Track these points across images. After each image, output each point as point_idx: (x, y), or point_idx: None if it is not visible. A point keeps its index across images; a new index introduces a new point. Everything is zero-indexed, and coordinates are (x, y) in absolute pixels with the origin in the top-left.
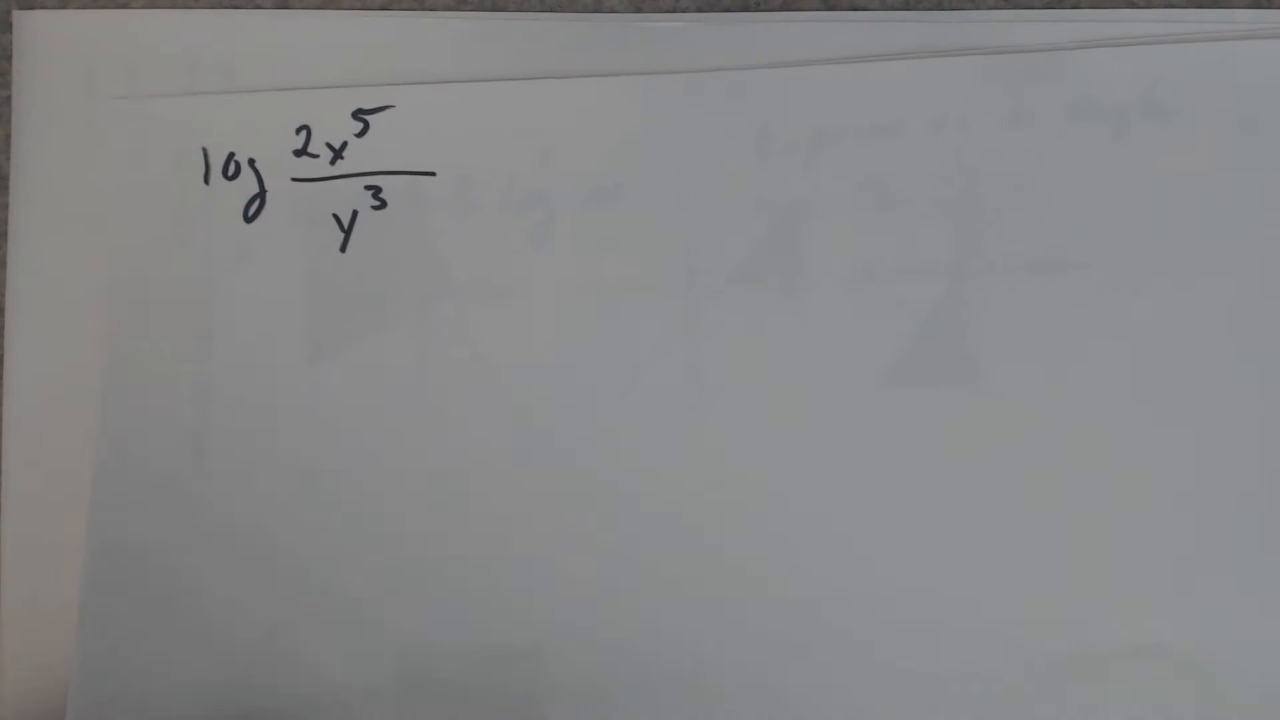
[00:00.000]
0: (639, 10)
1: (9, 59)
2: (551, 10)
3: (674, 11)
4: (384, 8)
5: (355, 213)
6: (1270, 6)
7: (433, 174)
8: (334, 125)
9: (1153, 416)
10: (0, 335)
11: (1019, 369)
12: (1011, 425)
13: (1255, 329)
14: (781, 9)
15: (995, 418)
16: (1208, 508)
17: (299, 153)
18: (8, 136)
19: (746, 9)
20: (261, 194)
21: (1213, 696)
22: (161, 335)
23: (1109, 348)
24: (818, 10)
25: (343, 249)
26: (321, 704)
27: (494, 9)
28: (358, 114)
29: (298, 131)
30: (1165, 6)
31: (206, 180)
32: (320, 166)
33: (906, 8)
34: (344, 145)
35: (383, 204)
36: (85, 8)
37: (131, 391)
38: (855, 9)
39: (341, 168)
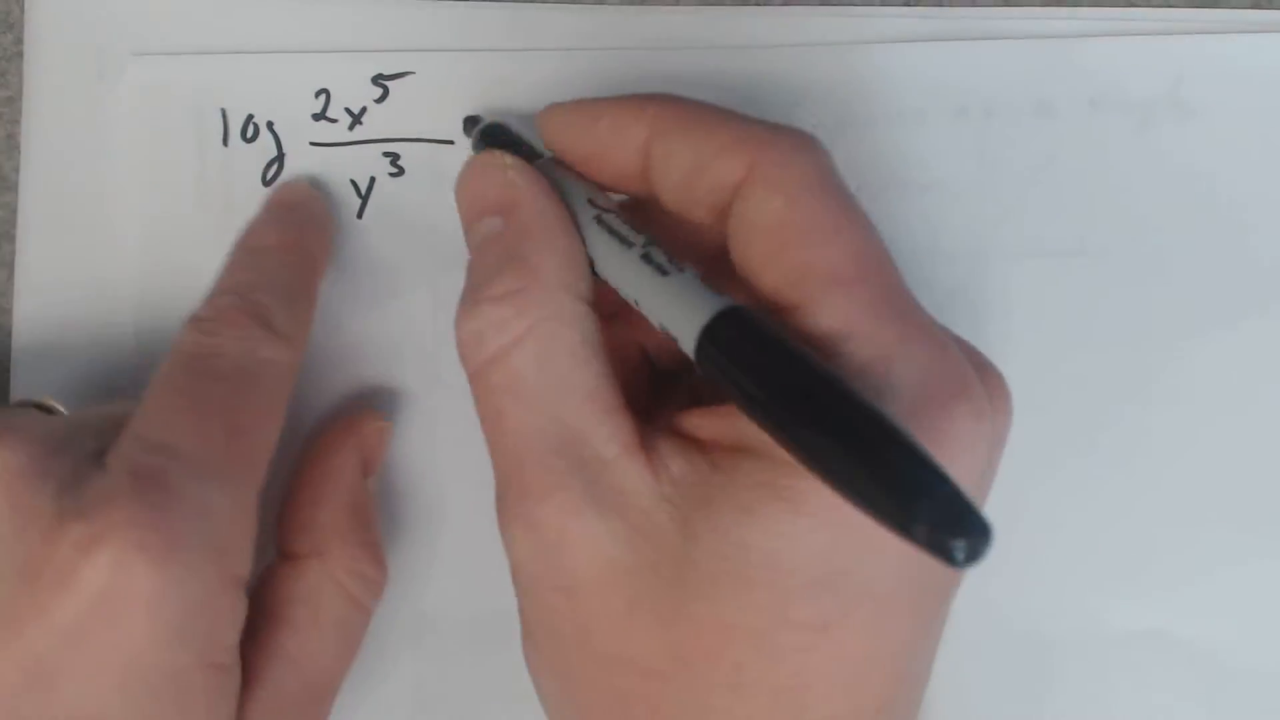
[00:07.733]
0: (642, 4)
1: (10, 59)
2: (551, 2)
3: (674, 6)
4: None
5: (373, 179)
6: None
7: (451, 143)
8: (354, 90)
9: (1166, 404)
10: (7, 336)
11: (1036, 355)
12: (1027, 411)
13: (1272, 321)
14: (781, 6)
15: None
16: (1216, 494)
17: (318, 117)
18: (10, 136)
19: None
20: (280, 157)
21: (1220, 682)
22: (180, 300)
23: (1125, 336)
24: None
25: (359, 215)
26: None
27: None
28: (378, 79)
29: (317, 95)
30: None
31: (225, 142)
32: (339, 131)
33: (907, 4)
34: (363, 111)
35: (400, 171)
36: None
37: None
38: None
39: (360, 133)
